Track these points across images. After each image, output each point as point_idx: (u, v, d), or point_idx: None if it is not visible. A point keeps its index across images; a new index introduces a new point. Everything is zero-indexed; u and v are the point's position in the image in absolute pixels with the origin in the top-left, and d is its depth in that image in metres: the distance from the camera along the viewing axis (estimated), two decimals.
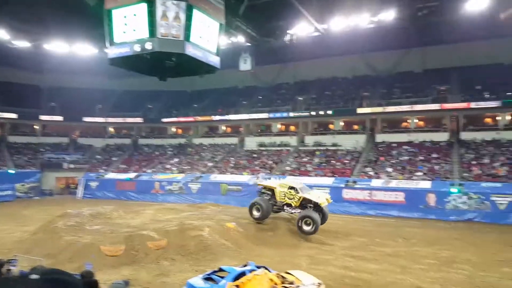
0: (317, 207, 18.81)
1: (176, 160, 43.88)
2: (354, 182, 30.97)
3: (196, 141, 48.33)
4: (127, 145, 50.73)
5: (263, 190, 20.33)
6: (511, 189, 25.47)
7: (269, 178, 21.69)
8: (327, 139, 40.07)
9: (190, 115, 49.37)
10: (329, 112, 41.29)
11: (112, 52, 12.90)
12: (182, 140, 49.35)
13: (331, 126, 43.28)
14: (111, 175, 40.99)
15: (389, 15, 32.43)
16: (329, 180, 31.94)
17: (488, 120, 36.98)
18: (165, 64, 12.70)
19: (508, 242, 19.13)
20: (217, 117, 47.46)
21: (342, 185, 30.71)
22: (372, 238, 20.06)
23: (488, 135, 33.63)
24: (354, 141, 38.22)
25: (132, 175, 40.03)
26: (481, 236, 20.84)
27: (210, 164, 41.07)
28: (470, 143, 33.62)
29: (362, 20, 33.38)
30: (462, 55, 38.60)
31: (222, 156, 42.67)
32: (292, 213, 19.56)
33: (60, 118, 48.90)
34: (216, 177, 36.60)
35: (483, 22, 31.19)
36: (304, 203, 18.94)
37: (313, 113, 42.24)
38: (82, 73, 46.67)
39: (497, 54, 37.38)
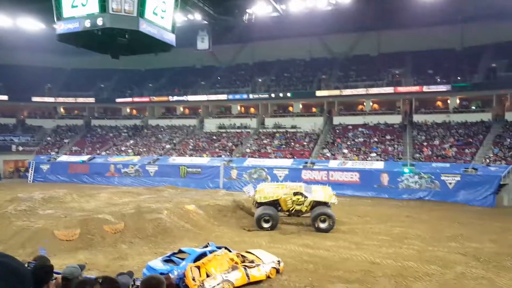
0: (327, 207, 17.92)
1: (131, 142, 42.64)
2: (312, 163, 31.65)
3: (153, 122, 47.07)
4: (79, 126, 48.57)
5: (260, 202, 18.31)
6: (459, 169, 27.08)
7: (253, 189, 19.45)
8: (286, 121, 40.44)
9: (145, 95, 47.69)
10: (289, 94, 41.56)
11: (61, 27, 12.07)
12: (138, 121, 47.88)
13: (290, 109, 43.65)
14: (63, 158, 39.28)
15: None
16: (288, 162, 32.44)
17: (439, 103, 38.74)
18: (117, 41, 12.07)
19: (455, 219, 20.37)
20: (174, 98, 46.27)
21: (301, 167, 31.32)
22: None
23: (439, 118, 35.27)
24: (312, 124, 38.83)
25: (85, 157, 38.55)
26: (431, 213, 22.06)
27: (168, 146, 40.31)
28: (421, 125, 35.15)
29: (320, 2, 33.61)
30: (416, 40, 39.70)
31: (181, 138, 41.98)
32: (299, 216, 18.57)
33: (5, 97, 45.74)
34: (174, 159, 36.04)
35: (437, 8, 32.39)
36: (315, 205, 17.96)
37: (273, 95, 42.34)
38: (28, 49, 43.65)
39: (449, 39, 38.96)
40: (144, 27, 11.98)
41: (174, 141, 41.24)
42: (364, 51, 44.04)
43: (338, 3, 33.75)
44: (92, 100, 49.30)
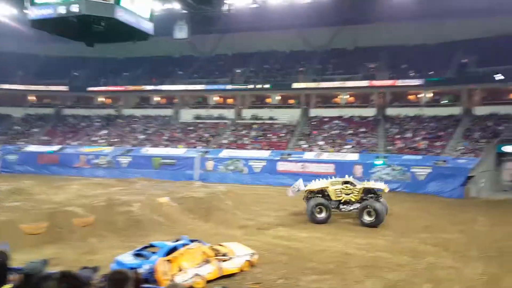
0: (377, 196, 17.34)
1: (104, 132, 41.56)
2: (289, 154, 31.75)
3: (127, 112, 45.91)
4: (50, 115, 46.91)
5: (310, 195, 17.95)
6: (430, 161, 27.76)
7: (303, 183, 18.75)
8: (264, 113, 40.34)
9: (120, 84, 46.51)
10: (267, 86, 41.39)
11: (34, 13, 11.47)
12: (111, 111, 46.67)
13: (268, 100, 43.53)
14: (32, 148, 37.90)
15: None
16: (265, 153, 32.44)
17: (412, 97, 39.55)
18: (93, 28, 11.61)
19: (426, 209, 20.93)
20: (150, 87, 45.26)
21: (277, 158, 31.35)
22: (304, 208, 20.79)
23: (411, 111, 35.99)
24: (289, 115, 38.93)
25: (55, 147, 37.35)
26: (403, 204, 22.50)
27: (142, 136, 39.55)
28: (394, 119, 35.81)
29: None
30: (391, 35, 40.38)
31: (156, 129, 41.26)
32: (350, 210, 17.48)
33: None
34: (148, 150, 35.39)
35: (411, 4, 32.92)
36: (364, 196, 17.32)
37: (250, 86, 42.09)
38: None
39: (422, 35, 39.71)
40: (120, 15, 11.57)
41: (149, 132, 40.50)
42: (342, 45, 44.29)
43: None
44: (65, 88, 47.49)
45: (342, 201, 17.47)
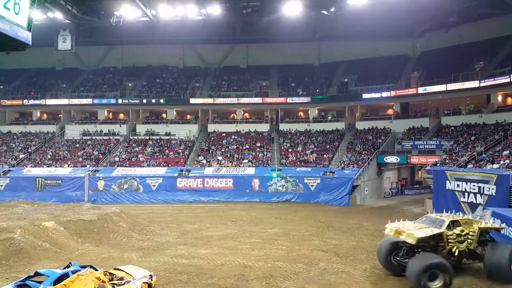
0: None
1: None
2: (188, 171, 31.41)
3: (3, 129, 40.84)
4: None
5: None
6: (319, 172, 30.04)
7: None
8: (160, 128, 39.38)
9: None
10: (162, 100, 40.59)
11: None
12: None
13: (164, 115, 42.62)
14: None
15: (215, 10, 33.89)
16: (162, 170, 31.55)
17: (301, 113, 42.59)
18: None
19: (317, 217, 22.48)
20: (31, 101, 41.05)
21: (176, 175, 30.78)
22: (204, 223, 20.77)
23: (301, 127, 38.74)
24: (187, 131, 38.63)
25: None
26: (297, 213, 23.92)
27: (21, 155, 35.38)
28: (287, 133, 38.02)
29: (190, 11, 33.90)
30: (280, 55, 43.36)
31: (37, 147, 37.30)
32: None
33: None
34: (30, 170, 31.87)
35: (297, 26, 35.66)
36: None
37: (144, 101, 40.78)
38: None
39: (308, 55, 43.41)
40: None
41: (30, 150, 36.41)
42: (235, 63, 46.06)
43: (209, 14, 34.55)
44: None
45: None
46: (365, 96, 37.33)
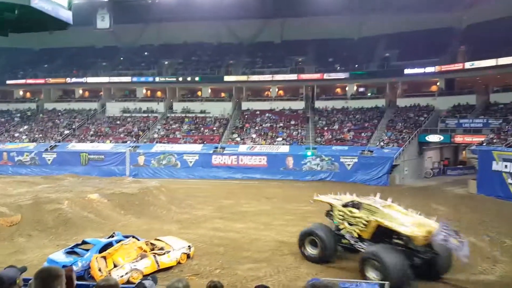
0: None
1: (25, 127, 38.39)
2: (223, 148, 31.79)
3: (49, 106, 42.76)
4: None
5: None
6: (357, 151, 29.41)
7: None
8: (195, 106, 39.77)
9: (40, 77, 43.08)
10: (197, 78, 40.83)
11: None
12: (32, 105, 43.16)
13: (199, 93, 42.98)
14: None
15: None
16: (198, 147, 32.13)
17: (339, 90, 41.39)
18: (5, 16, 10.58)
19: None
20: (73, 79, 42.48)
21: (211, 152, 31.27)
22: (238, 199, 21.06)
23: (338, 104, 37.73)
24: (222, 109, 38.80)
25: None
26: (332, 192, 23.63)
27: (66, 131, 37.07)
28: (322, 111, 37.32)
29: None
30: (317, 29, 41.62)
31: (81, 123, 38.89)
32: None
33: None
34: (74, 145, 33.41)
35: None
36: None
37: (180, 78, 41.19)
38: None
39: (347, 29, 41.58)
40: (36, 3, 10.69)
41: (74, 126, 38.05)
42: (269, 38, 44.82)
43: None
44: None
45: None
46: (407, 71, 35.37)
